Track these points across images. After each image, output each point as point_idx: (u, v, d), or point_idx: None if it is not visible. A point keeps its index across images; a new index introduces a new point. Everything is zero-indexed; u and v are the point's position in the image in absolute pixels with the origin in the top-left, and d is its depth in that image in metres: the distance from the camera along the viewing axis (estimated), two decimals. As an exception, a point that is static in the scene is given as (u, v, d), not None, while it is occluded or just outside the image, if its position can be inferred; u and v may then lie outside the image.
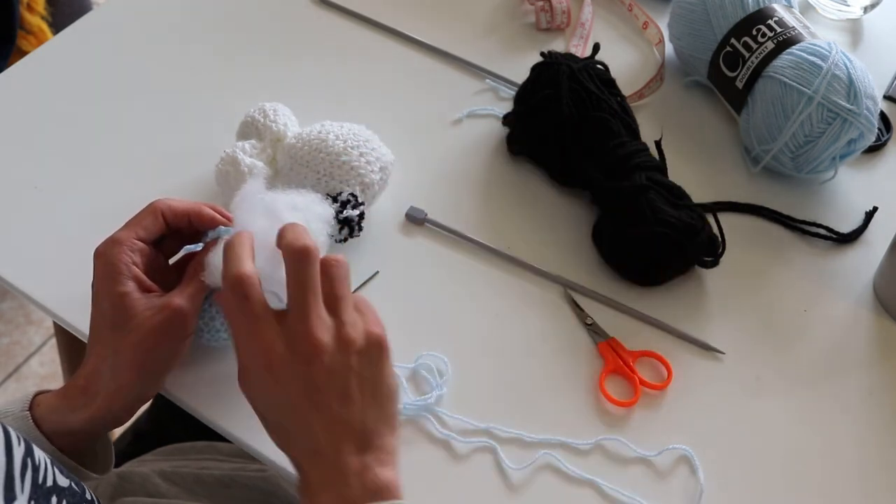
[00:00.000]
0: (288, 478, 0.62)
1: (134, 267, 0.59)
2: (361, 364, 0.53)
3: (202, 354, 0.66)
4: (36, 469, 0.51)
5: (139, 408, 0.62)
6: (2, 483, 0.47)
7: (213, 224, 0.61)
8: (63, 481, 0.54)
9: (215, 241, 0.60)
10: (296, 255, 0.52)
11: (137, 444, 0.89)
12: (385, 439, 0.53)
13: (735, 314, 0.73)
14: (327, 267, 0.54)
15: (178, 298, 0.58)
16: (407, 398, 0.66)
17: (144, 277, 0.59)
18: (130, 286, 0.58)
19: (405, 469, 0.63)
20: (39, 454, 0.52)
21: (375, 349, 0.54)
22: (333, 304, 0.53)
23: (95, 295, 0.60)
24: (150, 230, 0.60)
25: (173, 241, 0.63)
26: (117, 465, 0.82)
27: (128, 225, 0.60)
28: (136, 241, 0.59)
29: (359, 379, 0.53)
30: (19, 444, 0.50)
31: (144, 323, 0.57)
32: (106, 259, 0.59)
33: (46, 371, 1.56)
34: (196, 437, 0.84)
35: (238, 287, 0.52)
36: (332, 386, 0.52)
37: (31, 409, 0.59)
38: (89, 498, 0.57)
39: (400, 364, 0.66)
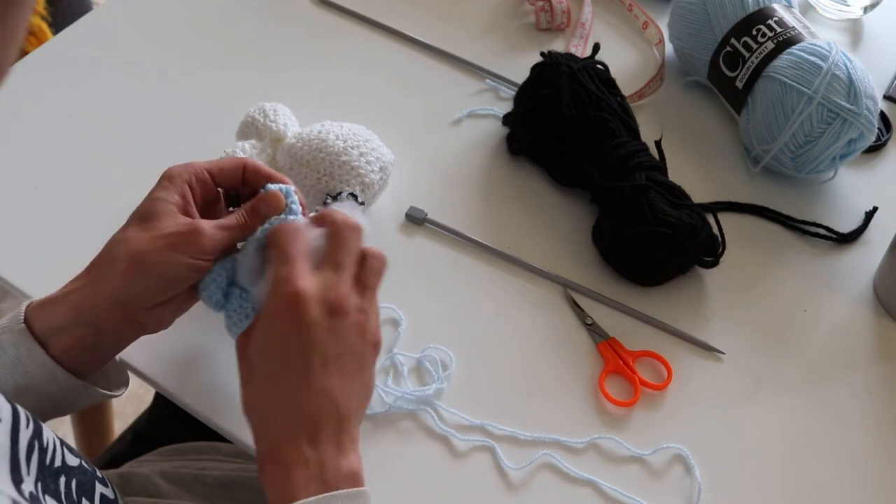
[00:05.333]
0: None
1: (188, 188, 0.59)
2: (365, 354, 0.55)
3: (202, 355, 0.66)
4: (43, 451, 0.51)
5: (119, 334, 0.59)
6: (7, 467, 0.47)
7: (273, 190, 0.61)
8: (72, 460, 0.54)
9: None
10: (348, 226, 0.56)
11: (137, 444, 0.89)
12: (354, 430, 0.55)
13: (735, 314, 0.73)
14: (369, 255, 0.57)
15: (207, 224, 0.58)
16: (407, 388, 0.66)
17: (191, 202, 0.59)
18: (173, 198, 0.58)
19: (403, 462, 0.63)
20: (48, 435, 0.52)
21: (375, 349, 0.56)
22: (362, 290, 0.56)
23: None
24: (226, 173, 0.61)
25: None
26: (117, 465, 0.82)
27: (210, 161, 0.61)
28: (206, 174, 0.60)
29: (358, 365, 0.55)
30: (27, 426, 0.50)
31: (164, 227, 0.57)
32: (170, 173, 0.59)
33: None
34: (197, 437, 0.84)
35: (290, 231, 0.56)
36: (340, 352, 0.54)
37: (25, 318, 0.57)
38: (101, 476, 0.57)
39: (406, 353, 0.68)
